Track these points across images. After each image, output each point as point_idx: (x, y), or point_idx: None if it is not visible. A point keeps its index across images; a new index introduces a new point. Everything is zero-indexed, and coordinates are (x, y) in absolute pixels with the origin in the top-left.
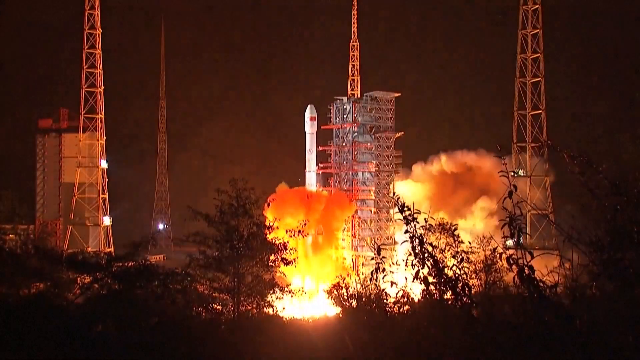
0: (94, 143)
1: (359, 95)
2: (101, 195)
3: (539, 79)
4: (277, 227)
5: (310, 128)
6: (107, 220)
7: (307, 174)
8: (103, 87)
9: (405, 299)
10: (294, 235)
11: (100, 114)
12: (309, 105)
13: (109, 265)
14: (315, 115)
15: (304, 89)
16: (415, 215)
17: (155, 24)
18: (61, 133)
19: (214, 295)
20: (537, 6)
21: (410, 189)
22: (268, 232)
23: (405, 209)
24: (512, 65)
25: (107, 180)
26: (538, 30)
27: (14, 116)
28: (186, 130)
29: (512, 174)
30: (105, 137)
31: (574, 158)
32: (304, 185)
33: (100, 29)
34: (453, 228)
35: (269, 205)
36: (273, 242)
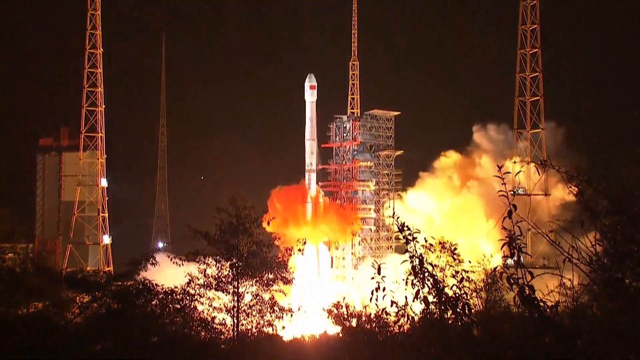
0: (94, 161)
1: (358, 114)
2: (101, 214)
3: (537, 97)
4: (278, 246)
5: (310, 97)
6: (106, 239)
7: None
8: (104, 106)
9: (406, 319)
10: (293, 253)
11: (101, 132)
12: (309, 74)
13: (108, 284)
14: (315, 84)
15: (302, 108)
16: (415, 235)
17: (155, 43)
18: (61, 152)
19: (213, 314)
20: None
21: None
22: (268, 251)
23: (405, 228)
24: (512, 82)
25: (107, 198)
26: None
27: (15, 134)
28: (187, 149)
29: (512, 192)
30: (105, 156)
31: (572, 178)
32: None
33: (101, 48)
34: (453, 247)
35: (268, 223)
36: (273, 260)
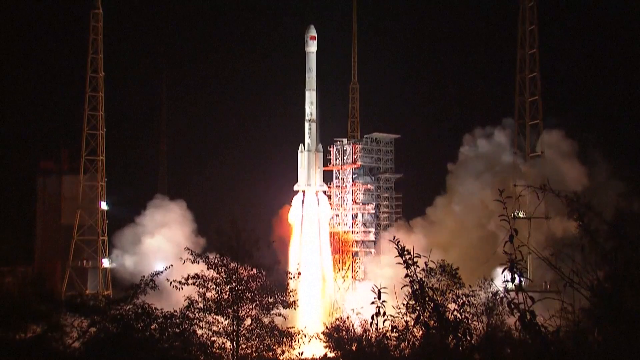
0: (95, 185)
1: (358, 137)
2: (101, 237)
3: (537, 121)
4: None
5: (310, 47)
6: (106, 263)
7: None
8: (104, 130)
9: (407, 344)
10: (293, 277)
11: (102, 155)
12: (309, 25)
13: (108, 308)
14: (315, 34)
15: (301, 130)
16: (415, 259)
17: (157, 68)
18: (62, 175)
19: (212, 338)
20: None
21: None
22: (268, 275)
23: (405, 252)
24: (511, 105)
25: (107, 222)
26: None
27: (16, 157)
28: (187, 171)
29: (513, 216)
30: (105, 180)
31: (572, 202)
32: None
33: (103, 72)
34: (454, 271)
35: (268, 246)
36: (273, 284)
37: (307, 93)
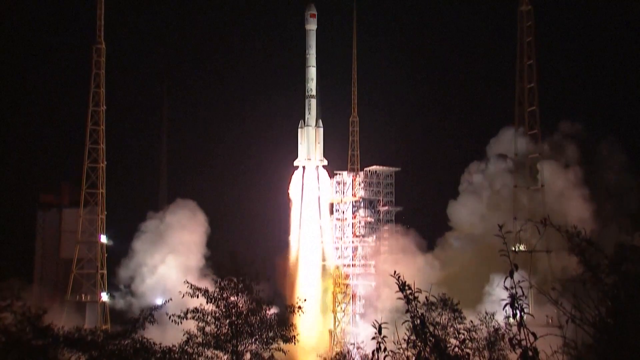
0: (94, 218)
1: (358, 170)
2: (100, 271)
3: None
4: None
5: (310, 25)
6: (105, 297)
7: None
8: (105, 163)
9: None
10: (294, 311)
11: (102, 188)
12: (309, 4)
13: (106, 343)
14: (315, 12)
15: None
16: (416, 295)
17: (158, 97)
18: (62, 208)
19: None
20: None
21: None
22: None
23: (406, 287)
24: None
25: (106, 255)
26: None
27: (16, 191)
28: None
29: (514, 250)
30: (105, 213)
31: (573, 237)
32: None
33: (104, 105)
34: (454, 306)
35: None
36: (273, 318)
37: (307, 70)
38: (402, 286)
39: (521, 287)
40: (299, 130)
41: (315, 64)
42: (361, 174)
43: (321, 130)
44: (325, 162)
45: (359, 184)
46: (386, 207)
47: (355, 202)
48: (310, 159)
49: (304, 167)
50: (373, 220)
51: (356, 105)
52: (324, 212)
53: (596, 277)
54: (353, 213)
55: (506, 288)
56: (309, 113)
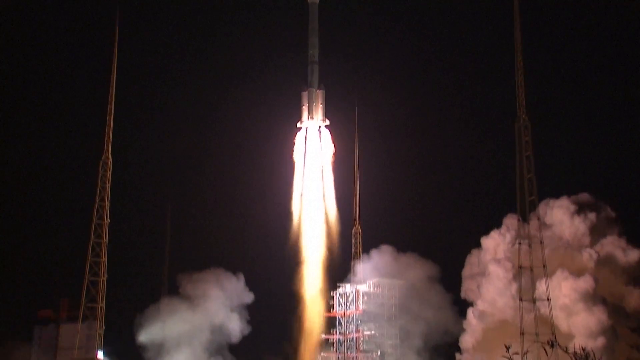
0: (93, 334)
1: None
2: None
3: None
4: None
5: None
6: None
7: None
8: (106, 276)
9: None
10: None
11: (102, 303)
12: None
13: None
14: None
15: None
16: None
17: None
18: (59, 324)
19: None
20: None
21: None
22: None
23: None
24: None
25: None
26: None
27: (14, 306)
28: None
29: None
30: (104, 327)
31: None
32: None
33: (108, 219)
34: None
35: None
36: None
37: (310, 39)
38: None
39: None
40: (302, 93)
41: (317, 45)
42: (364, 285)
43: (323, 92)
44: (327, 122)
45: (362, 297)
46: (390, 320)
47: (359, 315)
48: (312, 118)
49: (306, 128)
50: (377, 334)
51: (359, 217)
52: (326, 170)
53: None
54: (357, 327)
55: None
56: (311, 77)
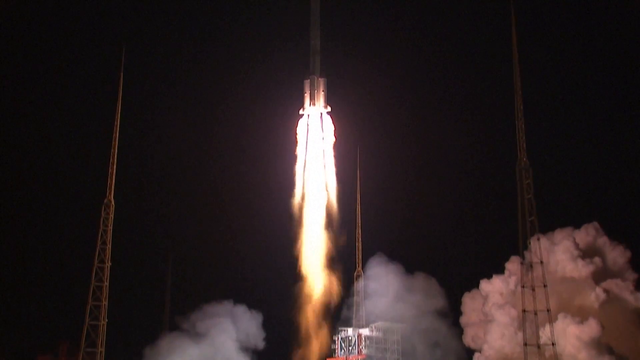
0: None
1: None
2: None
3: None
4: None
5: None
6: None
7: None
8: (107, 320)
9: None
10: None
11: (102, 347)
12: None
13: None
14: None
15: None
16: None
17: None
18: None
19: None
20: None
21: None
22: None
23: None
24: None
25: None
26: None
27: (13, 351)
28: None
29: None
30: None
31: None
32: None
33: (109, 262)
34: None
35: None
36: None
37: (312, 30)
38: None
39: None
40: (304, 82)
41: (319, 37)
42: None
43: (324, 80)
44: (329, 109)
45: (364, 341)
46: None
47: (361, 359)
48: (314, 105)
49: (308, 115)
50: None
51: (361, 261)
52: (327, 155)
53: None
54: None
55: None
56: (313, 66)
